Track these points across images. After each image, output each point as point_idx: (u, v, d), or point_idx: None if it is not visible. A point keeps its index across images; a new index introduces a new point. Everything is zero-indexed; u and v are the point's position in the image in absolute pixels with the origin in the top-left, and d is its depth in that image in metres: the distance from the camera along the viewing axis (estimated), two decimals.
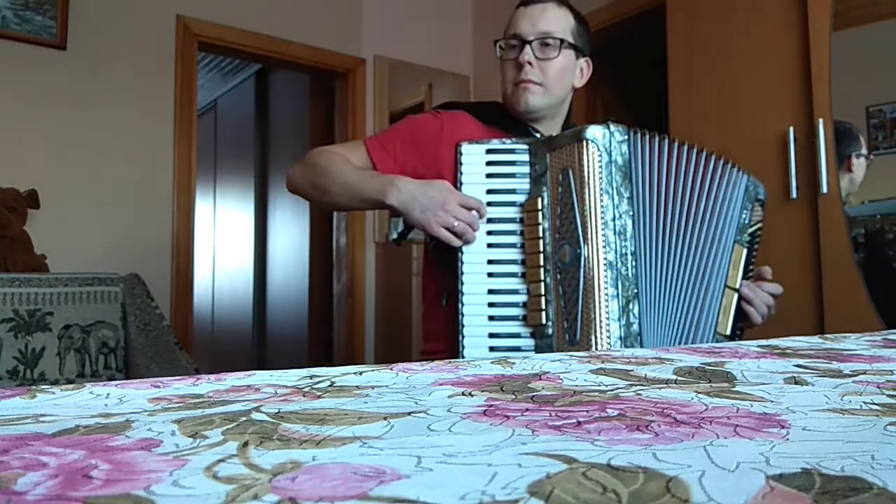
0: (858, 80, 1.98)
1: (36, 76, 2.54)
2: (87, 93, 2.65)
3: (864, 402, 0.40)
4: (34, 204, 2.39)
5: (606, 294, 1.01)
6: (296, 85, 3.90)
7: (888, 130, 1.91)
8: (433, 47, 3.68)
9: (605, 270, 1.02)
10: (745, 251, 1.16)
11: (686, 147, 1.10)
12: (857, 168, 1.94)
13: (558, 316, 1.04)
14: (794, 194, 1.90)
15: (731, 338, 1.14)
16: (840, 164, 1.88)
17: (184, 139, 2.87)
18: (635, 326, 1.03)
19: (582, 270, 1.02)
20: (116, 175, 2.70)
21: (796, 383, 0.47)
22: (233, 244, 4.43)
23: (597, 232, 1.03)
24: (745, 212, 1.16)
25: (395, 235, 1.34)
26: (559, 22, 1.21)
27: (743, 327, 1.19)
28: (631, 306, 1.03)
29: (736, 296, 1.15)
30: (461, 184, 1.10)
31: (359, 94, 3.44)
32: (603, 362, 0.60)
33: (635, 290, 1.04)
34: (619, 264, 1.03)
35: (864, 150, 1.96)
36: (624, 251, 1.04)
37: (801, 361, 0.60)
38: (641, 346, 1.03)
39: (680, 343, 1.09)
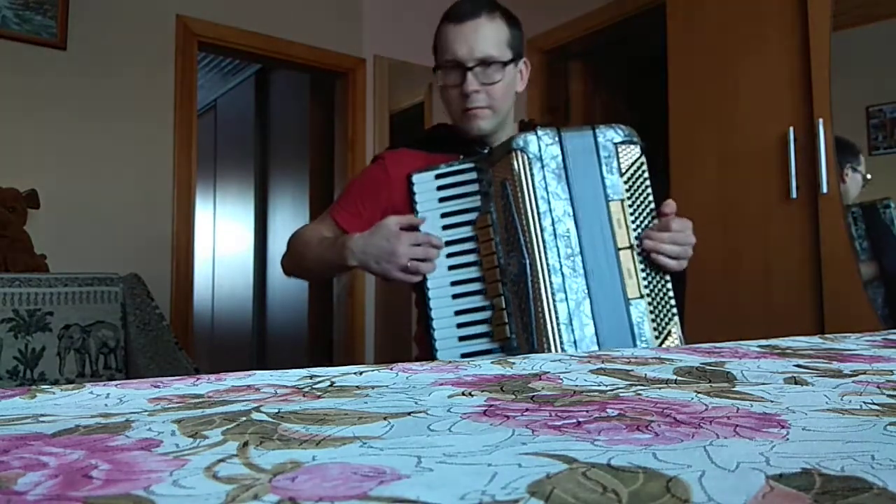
0: (858, 80, 1.98)
1: (36, 76, 2.53)
2: (87, 93, 2.64)
3: (864, 402, 0.40)
4: (34, 204, 2.39)
5: (553, 299, 1.00)
6: (296, 85, 3.90)
7: (888, 130, 1.91)
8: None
9: (549, 276, 1.01)
10: (622, 203, 1.07)
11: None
12: (852, 182, 1.94)
13: (518, 327, 1.04)
14: (794, 194, 1.90)
15: (653, 295, 1.06)
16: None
17: (184, 139, 2.87)
18: (590, 327, 1.00)
19: (529, 279, 1.02)
20: (116, 175, 2.70)
21: (796, 383, 0.47)
22: (233, 244, 4.43)
23: (536, 239, 1.02)
24: (603, 166, 1.07)
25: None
26: (495, 39, 1.16)
27: (669, 279, 1.09)
28: (582, 308, 1.01)
29: (632, 253, 1.06)
30: (417, 213, 1.12)
31: (359, 94, 3.44)
32: (603, 362, 0.60)
33: (586, 291, 1.02)
34: (564, 267, 1.02)
35: (861, 167, 1.95)
36: (569, 253, 1.02)
37: (801, 361, 0.60)
38: (599, 347, 1.00)
39: (625, 330, 1.03)
